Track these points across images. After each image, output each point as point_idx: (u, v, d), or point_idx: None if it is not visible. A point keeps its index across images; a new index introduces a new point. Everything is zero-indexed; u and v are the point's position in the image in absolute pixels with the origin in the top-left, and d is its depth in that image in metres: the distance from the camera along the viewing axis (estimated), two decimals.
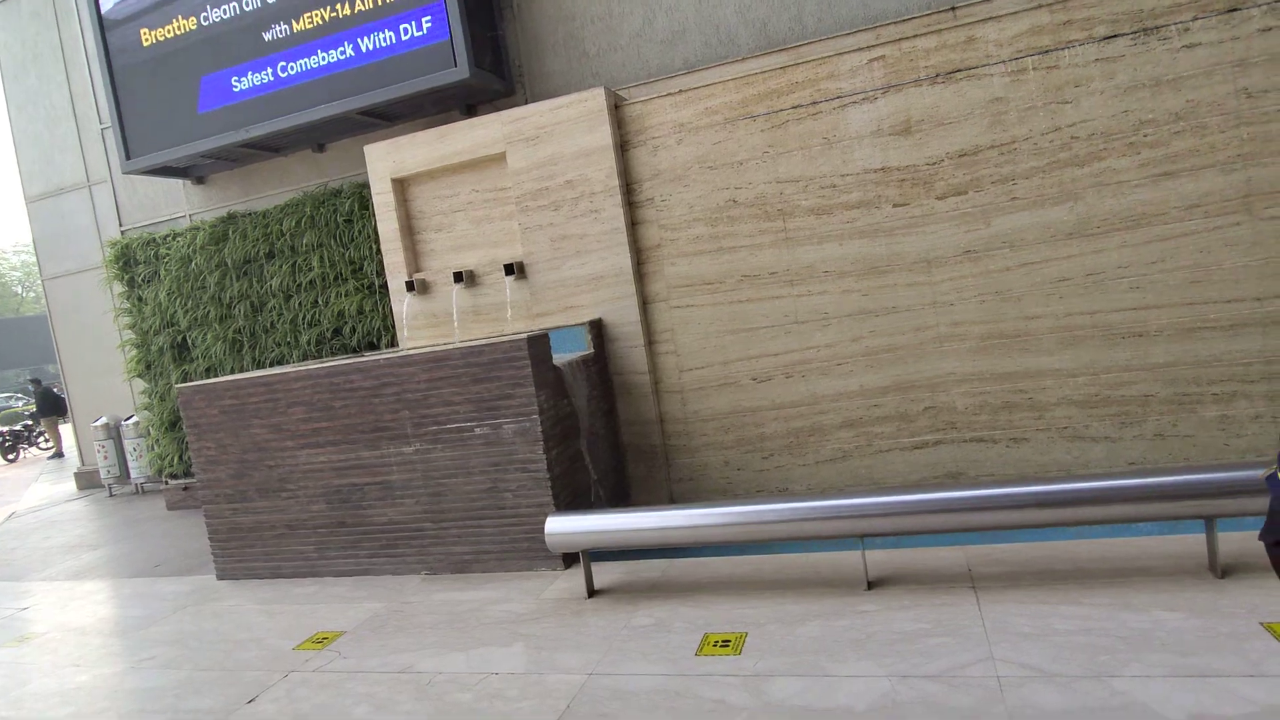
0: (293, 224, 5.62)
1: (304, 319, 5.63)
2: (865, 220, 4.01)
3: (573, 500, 3.67)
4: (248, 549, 4.06)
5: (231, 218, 6.00)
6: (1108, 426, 3.78)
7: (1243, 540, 2.77)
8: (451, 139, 4.58)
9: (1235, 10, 3.45)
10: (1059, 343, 3.80)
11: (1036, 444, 3.88)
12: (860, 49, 3.96)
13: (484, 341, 3.51)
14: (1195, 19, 3.50)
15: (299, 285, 5.64)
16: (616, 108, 4.37)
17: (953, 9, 4.32)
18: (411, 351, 3.62)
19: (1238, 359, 3.58)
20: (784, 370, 4.22)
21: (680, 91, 4.26)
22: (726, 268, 4.25)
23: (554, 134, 4.36)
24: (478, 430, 3.48)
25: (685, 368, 4.38)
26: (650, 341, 4.41)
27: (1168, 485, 2.66)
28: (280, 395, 3.87)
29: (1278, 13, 3.40)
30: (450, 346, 3.54)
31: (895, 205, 3.97)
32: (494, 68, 5.18)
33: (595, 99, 4.27)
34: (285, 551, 3.96)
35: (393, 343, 5.41)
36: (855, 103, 3.98)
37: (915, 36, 3.88)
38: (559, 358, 3.79)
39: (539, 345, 3.49)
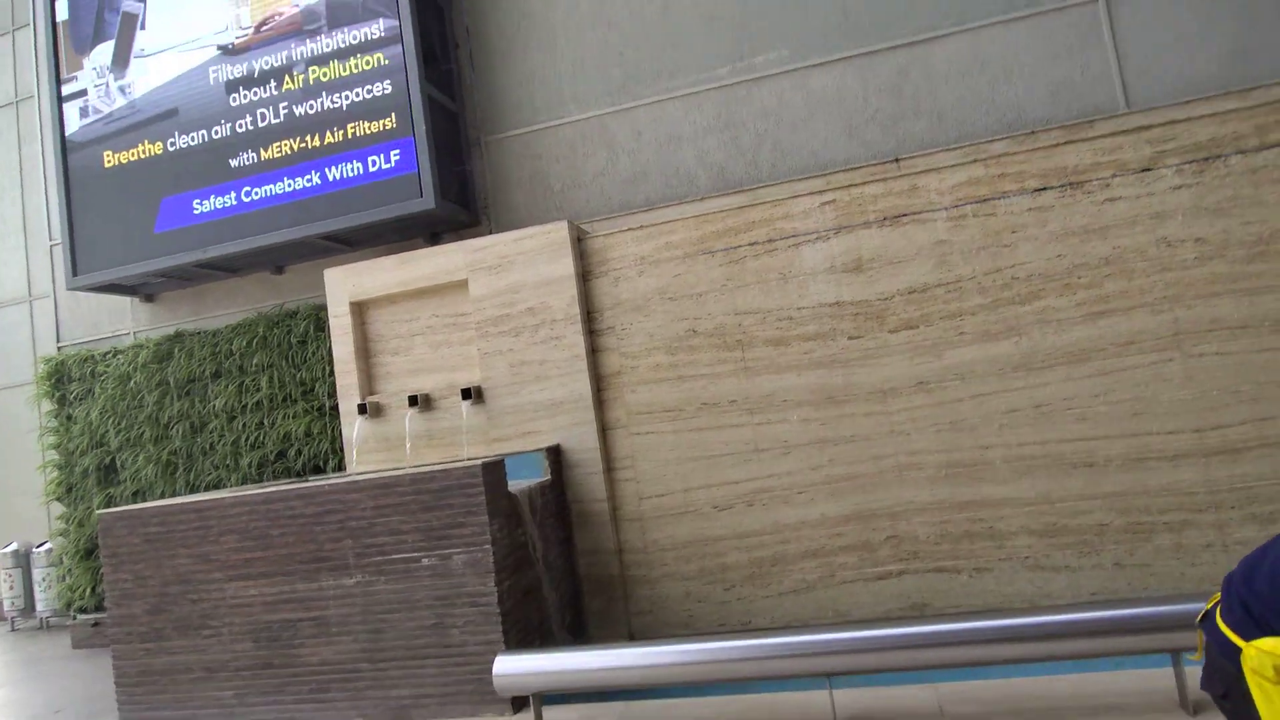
0: (244, 344, 5.50)
1: (247, 441, 5.40)
2: (822, 351, 4.11)
3: (525, 637, 3.44)
4: (158, 694, 3.65)
5: (179, 336, 5.84)
6: (1067, 556, 3.77)
7: None
8: (414, 265, 4.61)
9: (1149, 170, 3.79)
10: (1014, 472, 3.85)
11: (1000, 574, 3.84)
12: (813, 193, 4.20)
13: (436, 467, 3.38)
14: (1115, 176, 3.83)
15: (245, 406, 5.45)
16: (579, 240, 4.49)
17: (896, 160, 4.65)
18: (359, 476, 3.47)
19: (1184, 488, 3.67)
20: (745, 498, 4.15)
21: (642, 227, 4.42)
22: (686, 395, 4.26)
23: (517, 263, 4.44)
24: (425, 561, 3.29)
25: (645, 495, 4.28)
26: (609, 468, 4.32)
27: (1129, 619, 2.63)
28: (213, 522, 3.63)
29: (1184, 174, 3.74)
30: (400, 471, 3.40)
31: (850, 338, 4.08)
32: (460, 199, 5.32)
33: (559, 231, 4.39)
34: (200, 698, 3.58)
35: (340, 467, 5.19)
36: (809, 241, 4.17)
37: (863, 184, 4.14)
38: (515, 484, 3.66)
39: (494, 471, 3.38)
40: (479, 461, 3.27)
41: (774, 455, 4.13)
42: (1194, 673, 2.70)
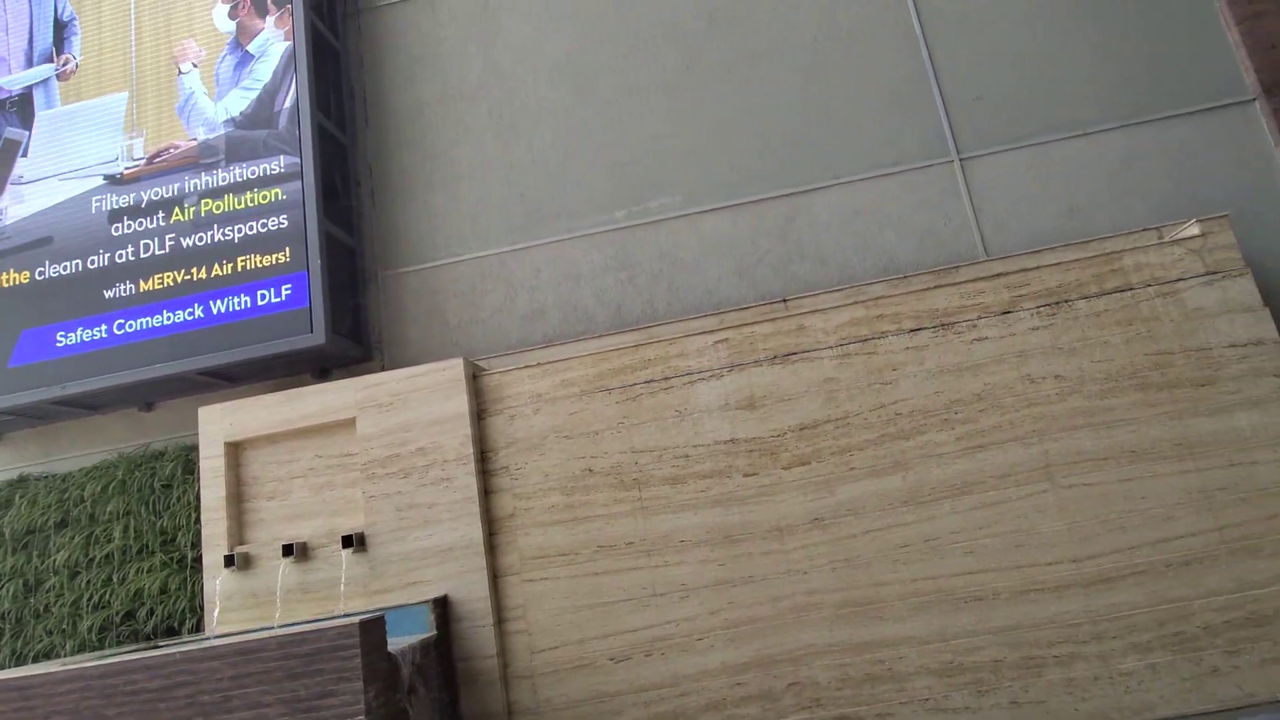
0: (98, 488, 5.06)
1: (89, 601, 4.86)
2: (718, 489, 4.13)
3: None
4: None
5: (22, 480, 5.33)
6: (966, 696, 3.77)
7: None
8: (299, 403, 4.44)
9: (1009, 313, 4.14)
10: (909, 609, 3.88)
11: (902, 719, 3.78)
12: (706, 332, 4.35)
13: (308, 627, 3.12)
14: (980, 318, 4.15)
15: (92, 560, 4.94)
16: (475, 377, 4.46)
17: (784, 300, 4.91)
18: (216, 643, 3.15)
19: (1069, 620, 3.78)
20: (643, 648, 4.00)
21: (539, 364, 4.44)
22: (582, 538, 4.16)
23: (409, 401, 4.34)
24: None
25: (537, 648, 4.07)
26: (500, 620, 4.10)
27: None
28: (37, 702, 3.18)
29: (1040, 316, 4.10)
30: (265, 635, 3.11)
31: (745, 475, 4.13)
32: (352, 334, 5.24)
33: (454, 368, 4.35)
34: None
35: (198, 628, 4.72)
36: (703, 379, 4.28)
37: (754, 323, 4.34)
38: (395, 643, 3.41)
39: (373, 630, 3.15)
40: (356, 619, 3.04)
41: (672, 600, 4.04)
42: None
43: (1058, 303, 4.12)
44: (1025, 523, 3.90)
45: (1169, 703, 3.65)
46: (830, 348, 4.24)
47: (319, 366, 5.34)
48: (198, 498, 4.88)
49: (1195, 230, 4.13)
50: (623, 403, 4.31)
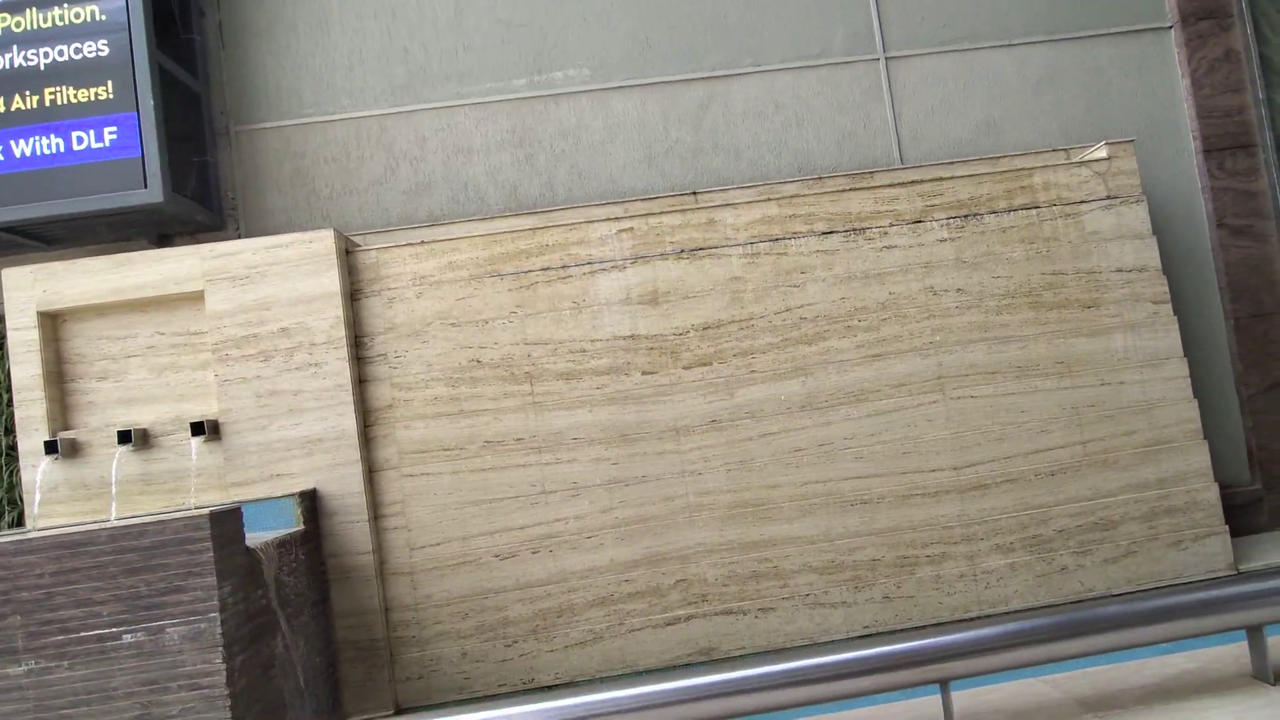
0: None
1: None
2: (615, 387, 4.03)
3: None
4: None
5: None
6: (844, 591, 3.98)
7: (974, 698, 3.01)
8: (132, 270, 3.90)
9: (919, 222, 4.17)
10: (798, 510, 4.00)
11: (783, 613, 3.96)
12: (610, 219, 4.14)
13: (147, 519, 2.81)
14: (892, 225, 4.16)
15: None
16: (348, 253, 4.06)
17: (694, 193, 4.74)
18: (33, 535, 2.78)
19: (942, 522, 4.02)
20: (530, 545, 3.94)
21: (423, 243, 4.09)
22: (468, 433, 3.98)
23: (269, 275, 3.91)
24: (127, 638, 2.70)
25: (417, 545, 3.92)
26: (376, 515, 3.91)
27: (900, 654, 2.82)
28: None
29: (951, 228, 4.16)
30: (94, 527, 2.78)
31: (644, 373, 4.05)
32: (199, 197, 4.63)
33: (323, 240, 3.94)
34: None
35: (19, 522, 4.24)
36: (605, 270, 4.09)
37: (662, 214, 4.15)
38: (254, 537, 3.16)
39: (226, 522, 2.87)
40: (206, 510, 2.75)
41: (562, 498, 3.97)
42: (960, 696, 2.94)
43: (967, 216, 4.18)
44: (914, 431, 4.05)
45: (1021, 596, 4.01)
46: (739, 245, 4.14)
47: (158, 233, 4.72)
48: (7, 377, 4.28)
49: (1103, 154, 4.26)
50: (516, 290, 4.07)
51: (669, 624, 3.93)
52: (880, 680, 2.88)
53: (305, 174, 4.93)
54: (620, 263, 4.10)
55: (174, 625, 2.69)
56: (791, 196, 4.20)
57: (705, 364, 4.06)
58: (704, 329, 4.08)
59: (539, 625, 3.90)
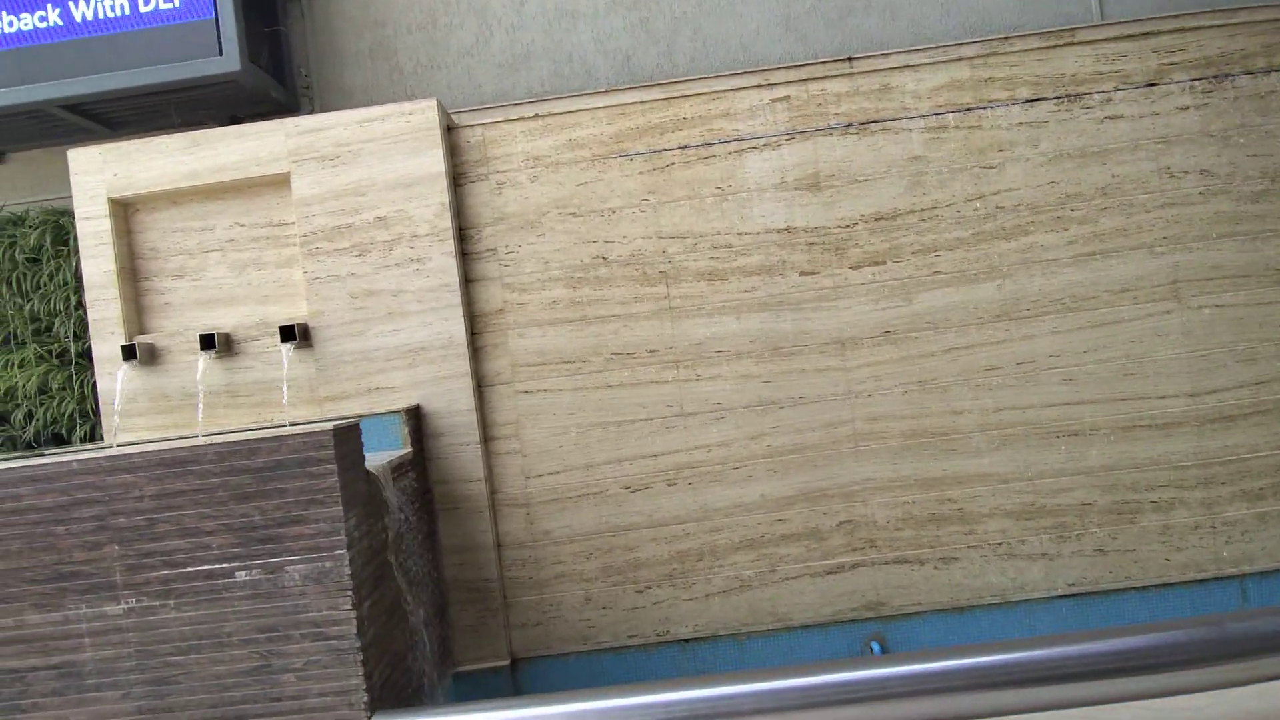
0: None
1: None
2: (767, 290, 3.63)
3: (393, 679, 2.75)
4: None
5: None
6: (1045, 541, 3.58)
7: None
8: (210, 149, 3.64)
9: (1154, 85, 3.58)
10: (990, 443, 3.59)
11: (968, 564, 3.59)
12: (763, 85, 3.67)
13: (260, 433, 2.58)
14: (1117, 89, 3.58)
15: None
16: (449, 130, 3.72)
17: (849, 59, 4.20)
18: (129, 450, 2.59)
19: (1174, 462, 3.55)
20: (666, 476, 3.64)
21: (536, 116, 3.72)
22: (592, 342, 3.66)
23: (363, 154, 3.60)
24: (241, 576, 2.50)
25: (534, 472, 3.66)
26: (488, 438, 3.65)
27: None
28: None
29: (1195, 92, 3.56)
30: (199, 442, 2.56)
31: (803, 273, 3.63)
32: (272, 70, 4.33)
33: (424, 112, 3.59)
34: None
35: (92, 436, 4.15)
36: (755, 148, 3.65)
37: (824, 79, 3.67)
38: (371, 460, 2.93)
39: (349, 441, 2.63)
40: (329, 425, 2.51)
41: (704, 421, 3.64)
42: None
43: (1216, 77, 3.57)
44: (1139, 348, 3.56)
45: (1271, 554, 3.53)
46: (921, 117, 3.64)
47: (227, 113, 4.46)
48: (76, 276, 4.14)
49: None
50: (648, 173, 3.67)
51: (829, 572, 3.61)
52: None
53: (386, 46, 4.57)
54: (774, 140, 3.65)
55: (294, 563, 2.47)
56: (987, 55, 3.65)
57: (877, 263, 3.62)
58: (875, 220, 3.62)
59: (675, 569, 3.63)
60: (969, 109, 3.62)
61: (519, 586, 3.65)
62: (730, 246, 3.64)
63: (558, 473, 3.65)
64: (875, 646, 3.55)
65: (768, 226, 3.64)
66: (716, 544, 3.62)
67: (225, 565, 2.53)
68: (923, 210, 3.61)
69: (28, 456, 3.47)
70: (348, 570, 2.50)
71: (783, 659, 3.56)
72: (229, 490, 2.53)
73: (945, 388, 3.59)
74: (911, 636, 3.57)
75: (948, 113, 3.62)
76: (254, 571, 2.52)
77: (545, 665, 3.62)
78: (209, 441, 2.54)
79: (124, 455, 2.54)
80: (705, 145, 3.66)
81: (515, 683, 3.57)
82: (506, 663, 3.58)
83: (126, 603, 2.55)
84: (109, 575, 2.55)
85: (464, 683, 3.52)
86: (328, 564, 2.50)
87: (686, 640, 3.63)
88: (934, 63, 3.65)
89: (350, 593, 2.51)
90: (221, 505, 2.52)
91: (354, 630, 2.51)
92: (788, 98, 3.66)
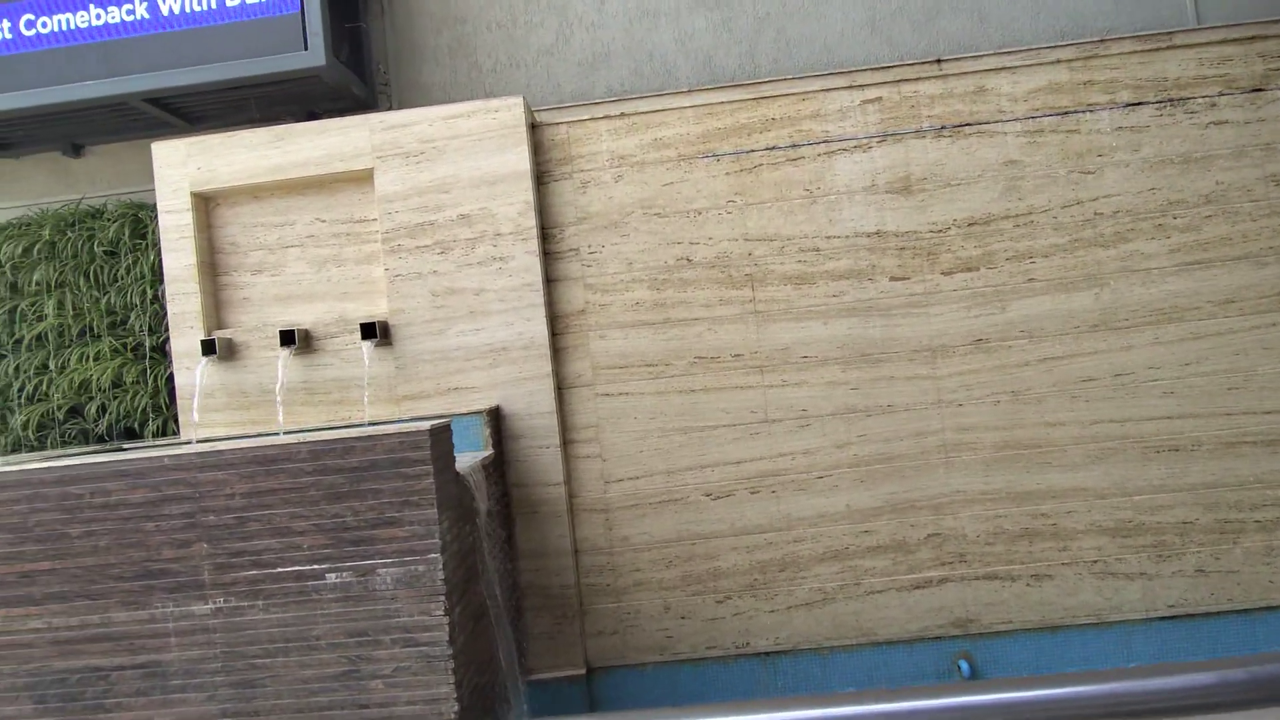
0: (17, 251, 4.14)
1: (21, 391, 4.08)
2: (856, 294, 3.43)
3: (480, 688, 2.56)
4: None
5: None
6: (1143, 560, 3.33)
7: None
8: (293, 144, 3.50)
9: (1260, 91, 3.34)
10: (1086, 456, 3.35)
11: (1062, 582, 3.35)
12: (852, 87, 3.47)
13: (355, 433, 2.41)
14: (1221, 94, 3.35)
15: (19, 341, 4.11)
16: (533, 128, 3.55)
17: (938, 61, 3.99)
18: (222, 447, 2.43)
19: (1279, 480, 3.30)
20: (749, 484, 3.43)
21: (623, 115, 3.54)
22: (675, 345, 3.47)
23: (447, 151, 3.44)
24: (331, 578, 2.33)
25: (613, 477, 3.47)
26: (567, 441, 3.47)
27: None
28: None
29: None
30: (291, 440, 2.40)
31: (893, 278, 3.42)
32: (352, 66, 4.19)
33: (510, 109, 3.43)
34: None
35: (164, 431, 4.02)
36: (845, 150, 3.45)
37: (917, 80, 3.46)
38: (459, 461, 2.75)
39: (442, 442, 2.46)
40: (425, 425, 2.33)
41: (788, 428, 3.43)
42: None
43: None
44: (1244, 361, 3.31)
45: None
46: (1017, 120, 3.42)
47: (307, 110, 4.32)
48: (153, 270, 4.02)
49: None
50: (735, 174, 3.48)
51: (916, 587, 3.38)
52: None
53: (466, 43, 4.42)
54: (864, 141, 3.45)
55: (386, 566, 2.30)
56: (1086, 59, 3.43)
57: (970, 269, 3.40)
58: (969, 225, 3.41)
59: (757, 580, 3.42)
60: (1067, 112, 3.40)
61: (596, 593, 3.45)
62: (818, 250, 3.44)
63: (637, 478, 3.46)
64: (963, 665, 3.32)
65: (857, 230, 3.43)
66: (799, 554, 3.41)
67: (315, 566, 2.36)
68: (1018, 215, 3.39)
69: (110, 451, 3.34)
70: (441, 575, 2.32)
71: (867, 675, 3.34)
72: (321, 490, 2.36)
73: (1040, 399, 3.36)
74: (1001, 656, 3.33)
75: (1044, 116, 3.41)
76: (345, 574, 2.35)
77: (621, 675, 3.42)
78: (302, 439, 2.37)
79: (216, 451, 2.38)
80: (794, 146, 3.47)
81: (590, 693, 3.37)
82: (582, 672, 3.38)
83: (214, 602, 2.38)
84: (197, 574, 2.39)
85: (539, 692, 3.33)
86: (420, 568, 2.32)
87: (767, 653, 3.41)
88: (1030, 65, 3.43)
89: (442, 598, 2.33)
90: (313, 505, 2.36)
91: (446, 637, 2.32)
92: (879, 99, 3.45)
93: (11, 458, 3.52)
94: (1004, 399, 3.37)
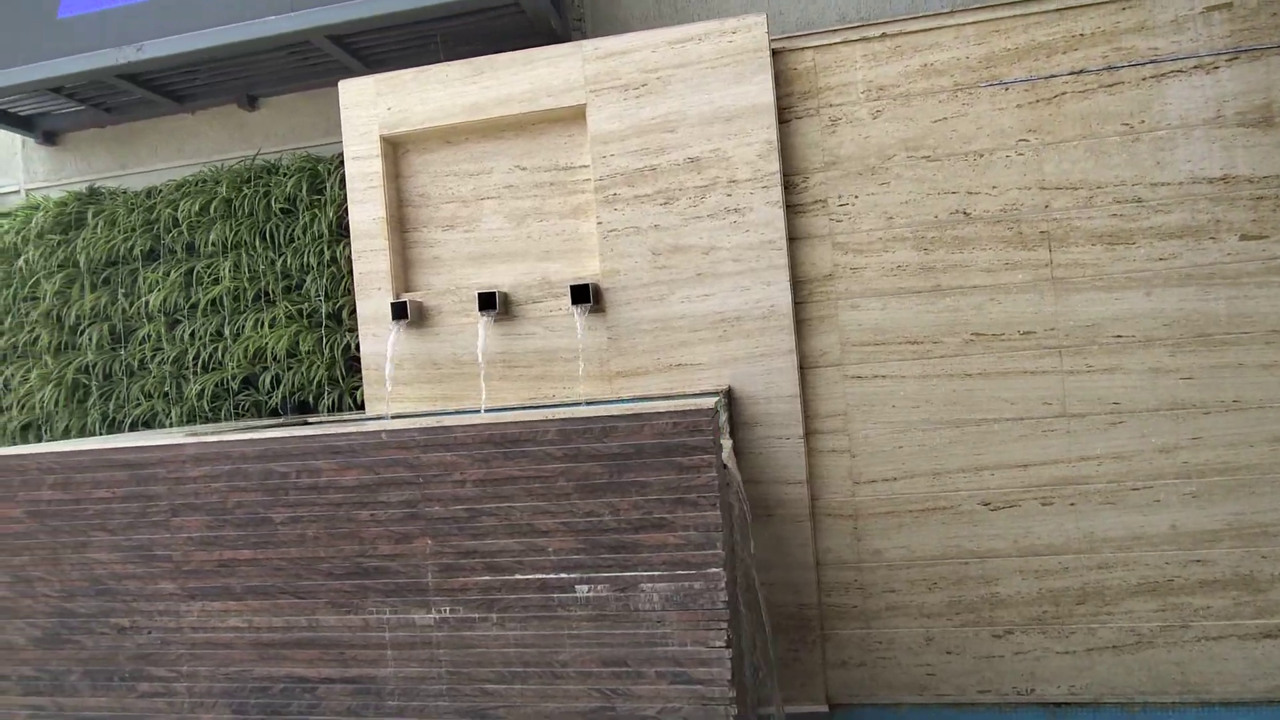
0: (193, 208, 4.03)
1: (196, 358, 3.98)
2: (1192, 257, 2.78)
3: None
4: None
5: (95, 195, 4.35)
6: None
7: None
8: (494, 78, 3.17)
9: None
10: None
11: None
12: None
13: (614, 410, 2.02)
14: None
15: (194, 306, 4.01)
16: (774, 54, 3.08)
17: None
18: (451, 423, 2.11)
19: None
20: (1040, 493, 2.86)
21: (885, 37, 3.02)
22: (947, 318, 2.93)
23: (673, 82, 3.02)
24: (583, 591, 1.95)
25: (864, 477, 2.98)
26: (809, 431, 3.00)
27: None
28: (161, 486, 2.26)
29: None
30: (537, 418, 2.04)
31: (1244, 237, 2.76)
32: None
33: (750, 29, 2.97)
34: None
35: (339, 405, 3.82)
36: (1181, 72, 2.81)
37: None
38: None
39: (710, 428, 2.04)
40: (709, 401, 1.92)
41: (1094, 425, 2.83)
42: None
43: None
44: None
45: None
46: None
47: (495, 49, 4.01)
48: (333, 229, 3.81)
49: None
50: (1029, 106, 2.90)
51: (1266, 635, 2.72)
52: None
53: None
54: (1208, 60, 2.79)
55: (653, 579, 1.90)
56: None
57: None
58: None
59: (1047, 612, 2.85)
60: None
61: (840, 616, 2.98)
62: (1141, 201, 2.82)
63: (895, 479, 2.95)
64: None
65: (1195, 175, 2.78)
66: (1106, 585, 2.81)
67: (563, 576, 1.98)
68: None
69: (303, 425, 3.13)
70: (724, 595, 1.90)
71: None
72: (572, 480, 1.98)
73: None
74: None
75: None
76: (600, 587, 1.96)
77: (870, 716, 2.94)
78: (550, 417, 2.00)
79: (444, 428, 2.05)
80: (1110, 69, 2.85)
81: None
82: (824, 709, 2.92)
83: (439, 611, 2.05)
84: (419, 576, 2.07)
85: None
86: (698, 585, 1.91)
87: (1058, 704, 2.85)
88: None
89: (725, 625, 1.91)
90: (562, 499, 1.98)
91: (727, 675, 1.90)
92: (1229, 4, 2.78)
93: (205, 427, 3.36)
94: None
